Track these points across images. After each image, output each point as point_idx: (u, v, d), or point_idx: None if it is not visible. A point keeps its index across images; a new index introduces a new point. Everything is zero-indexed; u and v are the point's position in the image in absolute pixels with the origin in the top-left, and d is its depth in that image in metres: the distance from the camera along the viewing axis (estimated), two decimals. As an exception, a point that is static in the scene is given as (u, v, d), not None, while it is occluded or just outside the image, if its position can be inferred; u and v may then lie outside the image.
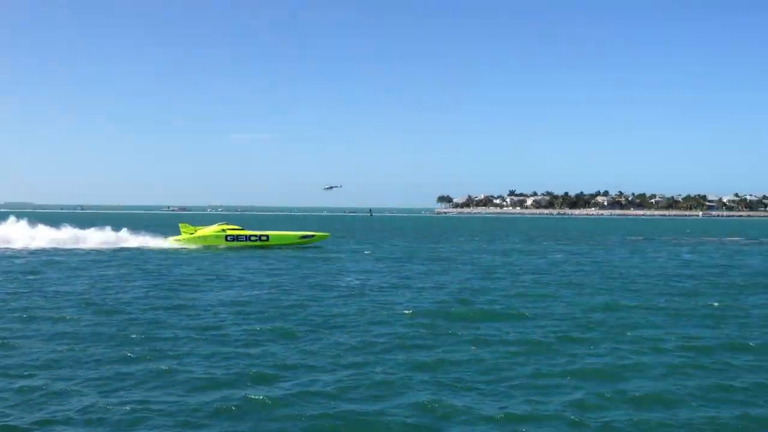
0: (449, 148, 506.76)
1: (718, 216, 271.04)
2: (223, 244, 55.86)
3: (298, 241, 58.35)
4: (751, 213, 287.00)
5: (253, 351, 17.83)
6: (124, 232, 58.27)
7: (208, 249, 53.91)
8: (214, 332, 20.23)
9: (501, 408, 13.34)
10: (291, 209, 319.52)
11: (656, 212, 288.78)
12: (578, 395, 14.14)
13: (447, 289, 30.76)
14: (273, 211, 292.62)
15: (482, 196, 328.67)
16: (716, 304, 26.24)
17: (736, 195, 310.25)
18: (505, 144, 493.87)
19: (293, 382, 14.99)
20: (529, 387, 14.76)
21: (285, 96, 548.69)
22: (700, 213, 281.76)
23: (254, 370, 15.80)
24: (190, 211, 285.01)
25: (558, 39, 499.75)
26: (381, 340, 19.30)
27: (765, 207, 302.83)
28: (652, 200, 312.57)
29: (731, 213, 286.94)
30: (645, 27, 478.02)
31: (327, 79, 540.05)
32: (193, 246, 55.33)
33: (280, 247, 56.16)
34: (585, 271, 39.33)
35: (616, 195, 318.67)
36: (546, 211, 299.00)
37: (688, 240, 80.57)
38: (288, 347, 18.30)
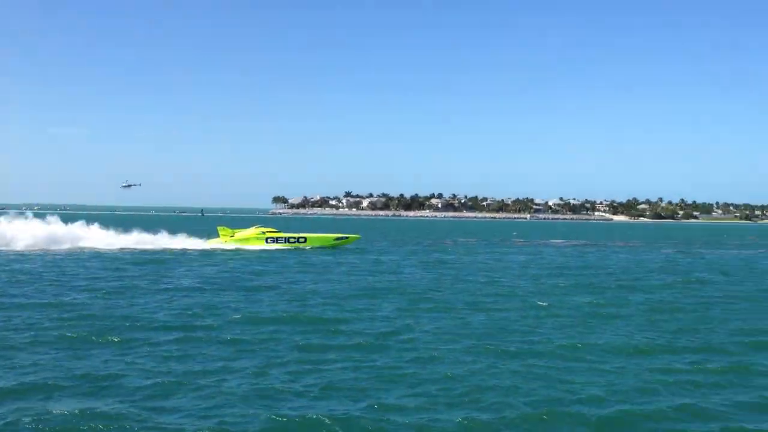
0: (286, 149, 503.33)
1: (544, 219, 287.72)
2: (264, 246, 57.77)
3: (333, 242, 60.84)
4: (575, 216, 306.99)
5: (57, 357, 16.81)
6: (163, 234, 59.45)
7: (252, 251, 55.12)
8: (11, 338, 18.91)
9: (308, 410, 13.36)
10: (114, 208, 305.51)
11: (487, 214, 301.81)
12: (389, 397, 14.46)
13: (276, 290, 30.54)
14: (93, 210, 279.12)
15: (318, 197, 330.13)
16: (543, 303, 27.57)
17: (561, 199, 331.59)
18: (342, 146, 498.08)
19: (101, 390, 14.28)
20: (344, 389, 14.91)
21: (107, 88, 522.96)
22: (528, 216, 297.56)
23: (54, 380, 14.90)
24: (2, 209, 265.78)
25: (402, 41, 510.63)
26: (202, 345, 18.82)
27: (587, 211, 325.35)
28: (484, 203, 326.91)
29: (556, 216, 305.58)
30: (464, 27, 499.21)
31: (152, 71, 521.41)
32: (233, 248, 56.57)
33: (314, 248, 58.31)
34: (414, 274, 40.29)
35: (449, 197, 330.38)
36: (382, 212, 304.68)
37: (517, 242, 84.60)
38: (102, 353, 17.43)
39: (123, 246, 54.69)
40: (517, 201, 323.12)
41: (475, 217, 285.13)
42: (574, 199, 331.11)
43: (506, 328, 22.17)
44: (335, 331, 21.01)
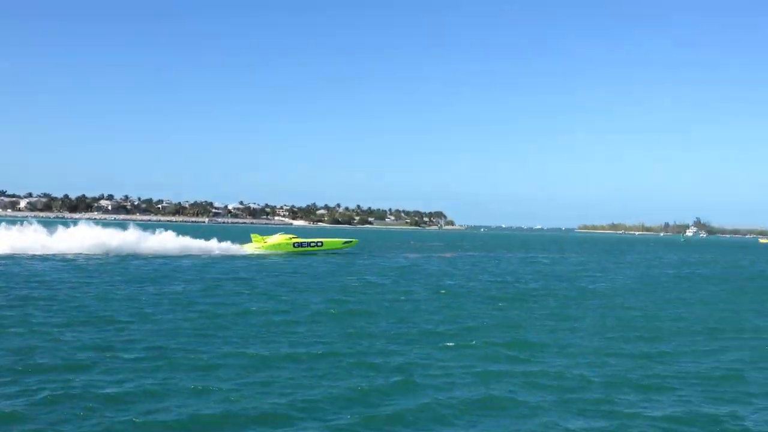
0: None
1: (224, 222, 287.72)
2: (292, 251, 68.50)
3: (342, 246, 73.52)
4: (255, 220, 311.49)
5: None
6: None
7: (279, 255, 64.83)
8: None
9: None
10: None
11: (163, 218, 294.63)
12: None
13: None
14: None
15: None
16: (221, 311, 26.90)
17: (241, 203, 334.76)
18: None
19: None
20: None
21: None
22: (206, 219, 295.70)
23: None
24: None
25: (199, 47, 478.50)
26: None
27: (267, 215, 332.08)
28: (159, 205, 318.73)
29: (236, 220, 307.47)
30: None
31: None
32: (267, 253, 66.68)
33: (327, 252, 70.35)
34: (106, 283, 37.69)
35: (121, 199, 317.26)
36: (42, 214, 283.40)
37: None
38: None
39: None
40: (195, 204, 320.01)
41: (149, 221, 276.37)
42: (255, 203, 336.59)
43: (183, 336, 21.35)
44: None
